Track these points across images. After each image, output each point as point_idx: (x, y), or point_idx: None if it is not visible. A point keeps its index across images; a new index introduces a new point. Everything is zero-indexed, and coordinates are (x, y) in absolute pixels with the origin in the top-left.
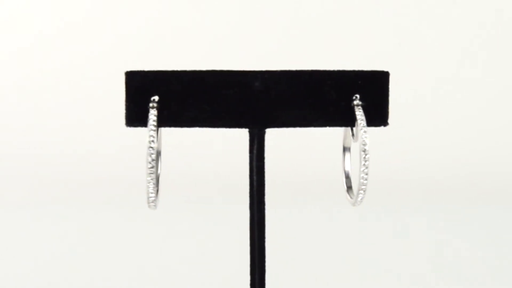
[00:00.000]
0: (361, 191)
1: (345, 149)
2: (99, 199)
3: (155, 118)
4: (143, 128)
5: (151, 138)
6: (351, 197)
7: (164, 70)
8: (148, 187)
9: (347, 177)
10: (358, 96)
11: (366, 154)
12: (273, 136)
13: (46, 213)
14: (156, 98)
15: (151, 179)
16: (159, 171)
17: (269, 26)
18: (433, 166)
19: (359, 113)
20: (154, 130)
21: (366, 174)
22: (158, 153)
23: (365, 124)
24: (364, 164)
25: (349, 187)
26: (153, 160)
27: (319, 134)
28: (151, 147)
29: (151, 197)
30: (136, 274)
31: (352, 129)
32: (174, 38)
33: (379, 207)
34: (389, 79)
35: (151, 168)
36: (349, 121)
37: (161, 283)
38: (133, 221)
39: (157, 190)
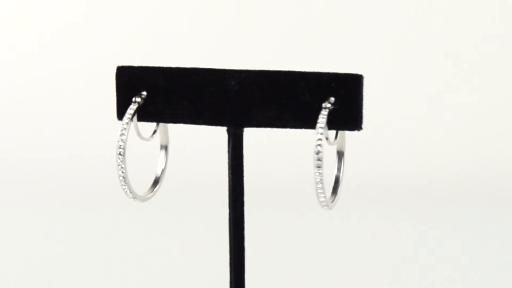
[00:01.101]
0: (321, 197)
1: (338, 153)
2: (90, 198)
3: (131, 112)
4: (145, 127)
5: (122, 131)
6: (331, 201)
7: (151, 66)
8: (120, 180)
9: (336, 181)
10: (332, 99)
11: (319, 159)
12: (265, 137)
13: (47, 212)
14: (144, 93)
15: (121, 172)
16: (164, 166)
17: (269, 25)
18: (424, 169)
19: (321, 115)
20: (127, 123)
21: (320, 178)
22: (165, 148)
23: (322, 126)
24: (317, 166)
25: (334, 191)
26: (120, 153)
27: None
28: (121, 140)
29: (124, 189)
30: (126, 273)
31: (337, 132)
32: (175, 37)
33: (366, 209)
34: (362, 83)
35: (120, 161)
36: (328, 123)
37: (144, 280)
38: (128, 220)
39: (157, 185)
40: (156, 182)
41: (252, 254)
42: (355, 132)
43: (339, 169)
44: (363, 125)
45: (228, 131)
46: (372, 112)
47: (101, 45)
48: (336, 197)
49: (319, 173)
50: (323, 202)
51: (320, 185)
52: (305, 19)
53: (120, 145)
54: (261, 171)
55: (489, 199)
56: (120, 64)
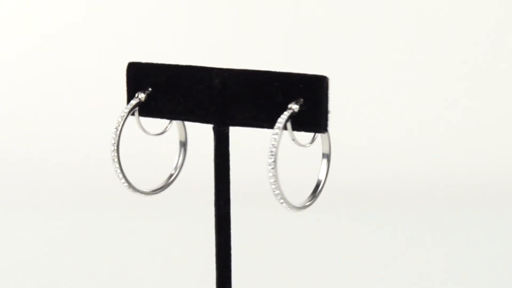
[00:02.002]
0: (278, 198)
1: (323, 155)
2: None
3: (130, 106)
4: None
5: (117, 125)
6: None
7: (156, 63)
8: (116, 173)
9: (317, 184)
10: (302, 100)
11: (272, 160)
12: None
13: (47, 213)
14: (150, 89)
15: (116, 165)
16: (180, 162)
17: (269, 24)
18: (421, 171)
19: (282, 115)
20: (121, 117)
21: (275, 179)
22: (183, 145)
23: (279, 126)
24: (271, 167)
25: (312, 193)
26: (113, 145)
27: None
28: (115, 133)
29: (122, 183)
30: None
31: (314, 134)
32: (176, 37)
33: (355, 210)
34: (327, 84)
35: (114, 155)
36: (295, 125)
37: (132, 278)
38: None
39: (169, 180)
40: (170, 177)
41: (242, 253)
42: (355, 134)
43: (322, 171)
44: (365, 127)
45: (213, 129)
46: (370, 114)
47: (100, 45)
48: (314, 199)
49: (273, 174)
50: (282, 203)
51: (274, 186)
52: (304, 20)
53: (113, 137)
54: (254, 171)
55: (485, 201)
56: (120, 64)
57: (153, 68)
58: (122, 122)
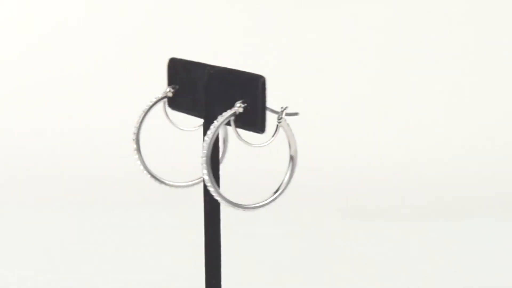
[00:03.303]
0: (216, 196)
1: (290, 157)
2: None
3: (154, 100)
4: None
5: (139, 118)
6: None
7: (181, 59)
8: (138, 166)
9: (279, 186)
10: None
11: (203, 156)
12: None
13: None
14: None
15: (136, 155)
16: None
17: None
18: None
19: (225, 113)
20: (143, 111)
21: (207, 176)
22: (223, 141)
23: (216, 124)
24: (203, 163)
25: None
26: (134, 135)
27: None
28: (136, 127)
29: (146, 174)
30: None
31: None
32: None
33: (354, 210)
34: (263, 84)
35: (135, 148)
36: (241, 124)
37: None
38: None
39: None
40: None
41: (232, 250)
42: (355, 134)
43: (286, 173)
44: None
45: (203, 125)
46: (370, 114)
47: (101, 45)
48: (272, 198)
49: (205, 172)
50: (221, 201)
51: (209, 184)
52: (303, 21)
53: (134, 132)
54: (250, 169)
55: (485, 201)
56: (121, 64)
57: (185, 64)
58: (144, 114)
